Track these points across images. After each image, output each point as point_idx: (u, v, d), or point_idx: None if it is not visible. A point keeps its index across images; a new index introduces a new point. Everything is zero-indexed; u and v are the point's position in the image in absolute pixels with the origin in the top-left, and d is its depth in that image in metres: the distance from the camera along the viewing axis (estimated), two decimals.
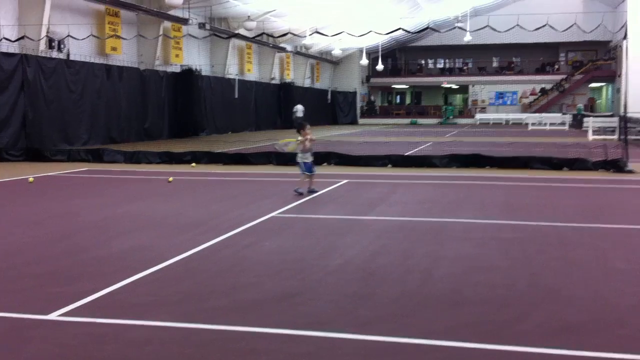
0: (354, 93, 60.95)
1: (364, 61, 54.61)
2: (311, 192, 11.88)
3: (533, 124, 46.39)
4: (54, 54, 24.13)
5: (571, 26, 24.95)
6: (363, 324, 4.91)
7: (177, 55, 32.86)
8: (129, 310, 5.21)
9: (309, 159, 11.92)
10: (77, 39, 24.66)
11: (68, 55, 24.67)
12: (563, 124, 44.60)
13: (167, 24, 31.05)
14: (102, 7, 26.66)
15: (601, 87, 60.79)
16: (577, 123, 42.47)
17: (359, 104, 62.00)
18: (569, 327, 4.89)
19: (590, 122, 32.29)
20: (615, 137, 29.40)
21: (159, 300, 5.52)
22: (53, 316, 5.08)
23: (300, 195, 11.64)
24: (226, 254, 7.29)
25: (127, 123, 27.71)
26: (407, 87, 69.17)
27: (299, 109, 39.16)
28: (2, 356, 4.32)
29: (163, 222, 9.20)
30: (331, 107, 58.52)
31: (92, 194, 12.56)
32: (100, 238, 8.15)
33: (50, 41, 23.88)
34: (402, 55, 66.49)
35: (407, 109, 65.82)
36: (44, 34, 22.97)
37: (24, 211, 10.28)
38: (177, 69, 32.77)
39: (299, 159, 11.93)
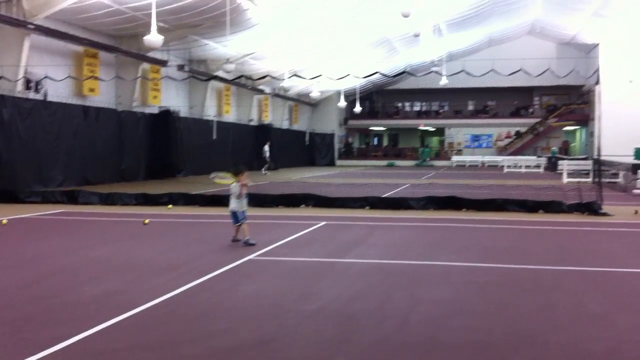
0: (332, 135, 61.37)
1: (342, 103, 55.13)
2: (247, 243, 10.81)
3: (508, 167, 46.93)
4: (31, 94, 24.05)
5: (545, 71, 25.44)
6: None
7: (155, 97, 32.89)
8: (103, 357, 5.10)
9: (245, 207, 11.12)
10: (55, 80, 24.60)
11: (45, 96, 24.59)
12: (538, 166, 45.14)
13: (146, 65, 31.14)
14: (80, 48, 26.72)
15: (575, 130, 61.80)
16: (551, 166, 42.99)
17: (336, 146, 62.38)
18: None
19: (564, 165, 32.72)
20: (590, 179, 29.79)
21: (133, 346, 5.42)
22: None
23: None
24: (201, 298, 7.20)
25: (103, 164, 27.51)
26: (384, 129, 69.78)
27: (266, 149, 40.20)
28: None
29: (137, 266, 9.08)
30: (309, 149, 58.83)
31: (66, 236, 12.41)
32: (73, 282, 8.02)
33: (27, 82, 23.82)
34: (379, 97, 67.25)
35: (384, 151, 66.28)
36: (21, 74, 22.92)
37: None
38: (155, 110, 32.77)
39: (236, 208, 10.99)
